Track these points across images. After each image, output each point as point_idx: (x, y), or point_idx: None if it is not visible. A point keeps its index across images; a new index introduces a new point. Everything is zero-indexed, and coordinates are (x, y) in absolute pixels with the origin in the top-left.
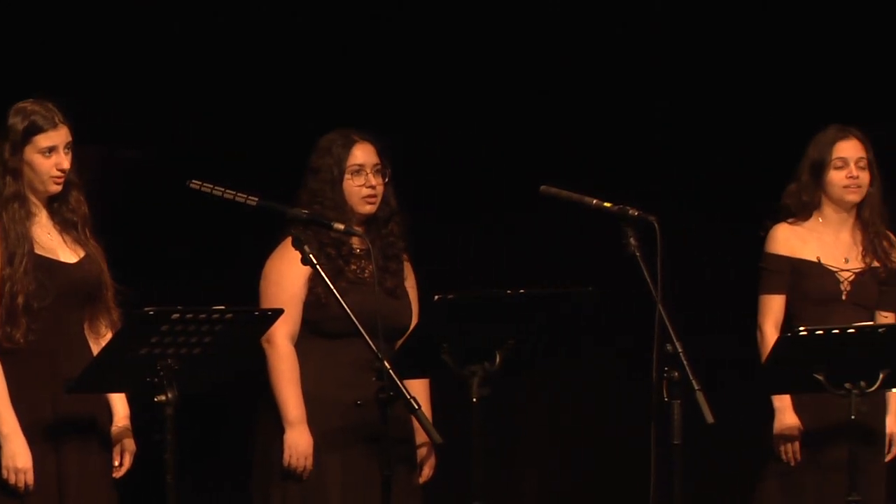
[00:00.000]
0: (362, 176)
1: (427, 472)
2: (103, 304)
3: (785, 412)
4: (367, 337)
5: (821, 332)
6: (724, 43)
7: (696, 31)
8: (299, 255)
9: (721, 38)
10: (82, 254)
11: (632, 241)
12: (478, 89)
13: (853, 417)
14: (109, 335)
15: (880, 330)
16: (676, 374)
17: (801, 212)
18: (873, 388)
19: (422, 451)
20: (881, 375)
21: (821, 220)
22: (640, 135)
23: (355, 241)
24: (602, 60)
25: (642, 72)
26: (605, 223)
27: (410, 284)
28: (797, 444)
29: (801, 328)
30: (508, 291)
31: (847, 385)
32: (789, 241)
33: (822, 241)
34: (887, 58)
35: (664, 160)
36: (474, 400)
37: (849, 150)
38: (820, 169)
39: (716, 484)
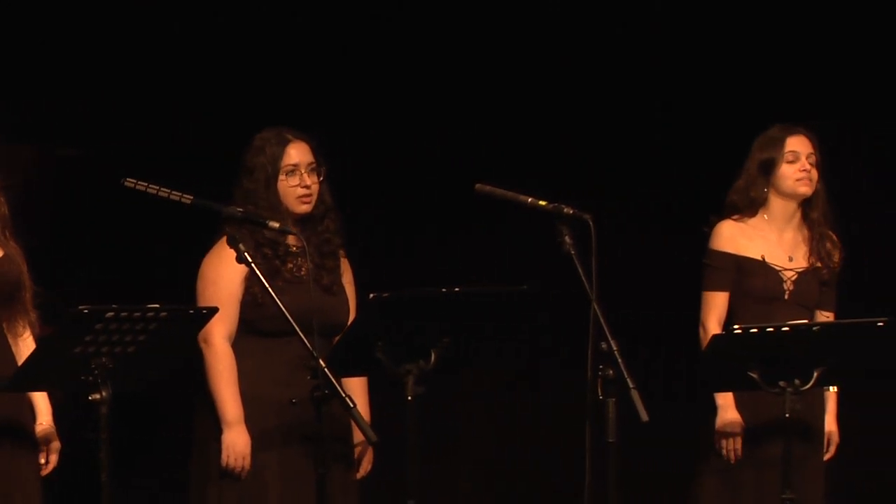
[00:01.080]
0: (297, 176)
1: (365, 466)
2: (21, 304)
3: (727, 409)
4: (302, 335)
5: (755, 330)
6: (658, 41)
7: (631, 29)
8: (235, 254)
9: (657, 37)
10: (1, 254)
11: (567, 239)
12: (414, 89)
13: (787, 416)
14: (28, 335)
15: (815, 328)
16: (611, 371)
17: (748, 209)
18: (807, 387)
19: (359, 449)
20: (815, 373)
21: (766, 218)
22: (574, 133)
23: (291, 240)
24: (536, 59)
25: (577, 70)
26: (540, 221)
27: (348, 280)
28: (739, 440)
29: (736, 326)
30: (443, 290)
31: (781, 383)
32: (734, 238)
33: (766, 239)
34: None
35: (599, 158)
36: (409, 398)
37: (800, 144)
38: (770, 164)
39: (650, 481)
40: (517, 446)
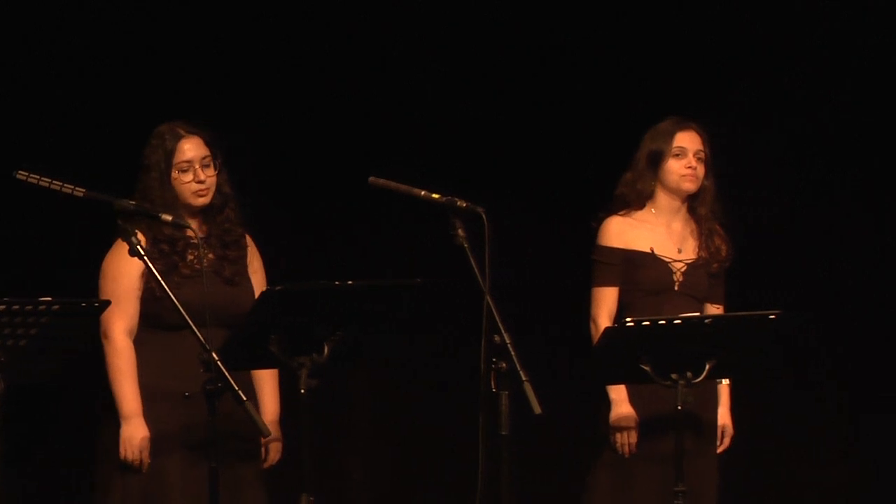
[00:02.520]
0: (191, 172)
1: (273, 456)
2: None
3: (621, 403)
4: (195, 329)
5: (647, 322)
6: (552, 34)
7: (525, 22)
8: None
9: (549, 29)
10: None
11: (460, 232)
12: (309, 82)
13: (679, 408)
14: None
15: (706, 321)
16: (504, 365)
17: (635, 202)
18: (699, 379)
19: (265, 442)
20: (707, 366)
21: (654, 211)
22: (468, 126)
23: (192, 231)
24: (428, 52)
25: (469, 63)
26: (433, 214)
27: (255, 269)
28: (633, 434)
29: (628, 319)
30: (336, 283)
31: (674, 376)
32: (622, 232)
33: (654, 231)
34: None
35: (492, 151)
36: (302, 391)
37: (688, 140)
38: (658, 158)
39: (543, 474)
40: (411, 439)
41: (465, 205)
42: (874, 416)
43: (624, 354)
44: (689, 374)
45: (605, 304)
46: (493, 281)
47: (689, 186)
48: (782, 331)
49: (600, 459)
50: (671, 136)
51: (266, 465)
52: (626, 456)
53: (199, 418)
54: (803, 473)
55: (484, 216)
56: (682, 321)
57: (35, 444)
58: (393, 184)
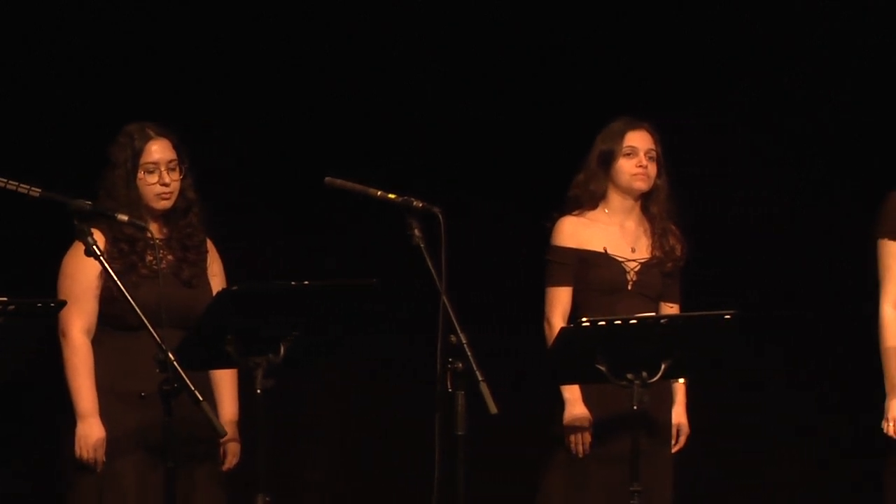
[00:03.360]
0: (156, 174)
1: (231, 459)
2: None
3: (575, 403)
4: (151, 329)
5: (603, 322)
6: (509, 34)
7: (470, 23)
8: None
9: (505, 30)
10: None
11: (416, 232)
12: (264, 82)
13: (635, 408)
14: None
15: (662, 321)
16: (460, 364)
17: (588, 202)
18: (655, 379)
19: (223, 444)
20: (663, 366)
21: (606, 211)
22: (425, 126)
23: (149, 232)
24: (383, 51)
25: (424, 63)
26: (389, 214)
27: (214, 272)
28: (587, 435)
29: (584, 319)
30: (292, 283)
31: (629, 376)
32: (575, 232)
33: (607, 231)
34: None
35: (449, 151)
36: (258, 391)
37: (639, 140)
38: (609, 158)
39: (500, 474)
40: (368, 438)
41: (421, 205)
42: (832, 415)
43: (580, 354)
44: (644, 374)
45: (559, 303)
46: (450, 281)
47: (641, 185)
48: (737, 331)
49: (554, 460)
50: (622, 135)
51: (224, 467)
52: (581, 456)
53: (156, 419)
54: (759, 473)
55: (440, 216)
56: (638, 321)
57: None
58: (349, 184)
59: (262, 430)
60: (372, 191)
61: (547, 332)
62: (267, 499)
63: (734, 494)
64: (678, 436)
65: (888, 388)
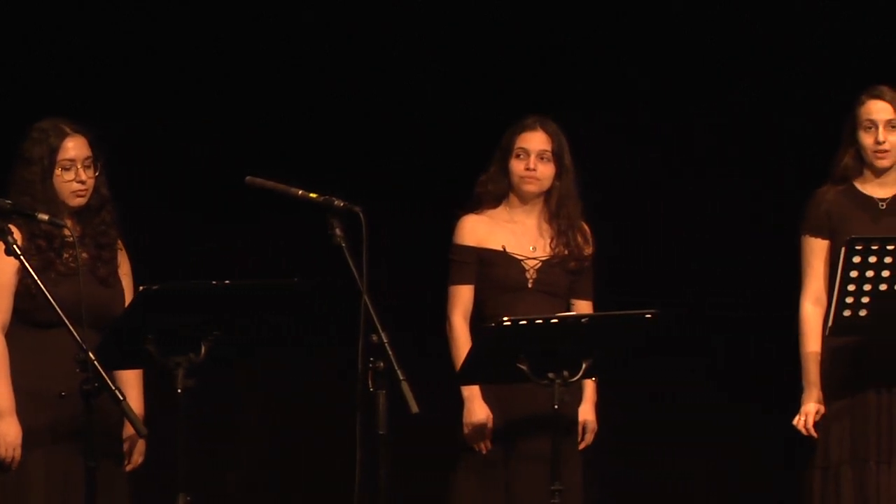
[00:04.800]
0: (72, 171)
1: (136, 458)
2: None
3: (474, 401)
4: (70, 327)
5: (524, 322)
6: (428, 33)
7: (399, 23)
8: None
9: (425, 30)
10: None
11: (337, 231)
12: (186, 81)
13: (556, 407)
14: None
15: (583, 320)
16: (382, 364)
17: (490, 201)
18: (576, 378)
19: (128, 443)
20: (584, 365)
21: (508, 210)
22: (346, 125)
23: (67, 230)
24: (303, 52)
25: (345, 63)
26: (310, 214)
27: (125, 272)
28: (487, 432)
29: (505, 318)
30: (213, 282)
31: (550, 375)
32: (475, 231)
33: (507, 229)
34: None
35: (370, 151)
36: (179, 391)
37: (531, 141)
38: (504, 158)
39: (421, 473)
40: (289, 438)
41: (342, 204)
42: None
43: (501, 354)
44: (565, 373)
45: (460, 302)
46: (371, 280)
47: (529, 188)
48: (656, 329)
49: (461, 460)
50: (515, 136)
51: (129, 467)
52: (484, 454)
53: (68, 417)
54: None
55: (361, 215)
56: (560, 320)
57: None
58: (270, 183)
59: (182, 430)
60: (293, 190)
61: (448, 330)
62: (188, 499)
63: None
64: (584, 432)
65: (804, 383)
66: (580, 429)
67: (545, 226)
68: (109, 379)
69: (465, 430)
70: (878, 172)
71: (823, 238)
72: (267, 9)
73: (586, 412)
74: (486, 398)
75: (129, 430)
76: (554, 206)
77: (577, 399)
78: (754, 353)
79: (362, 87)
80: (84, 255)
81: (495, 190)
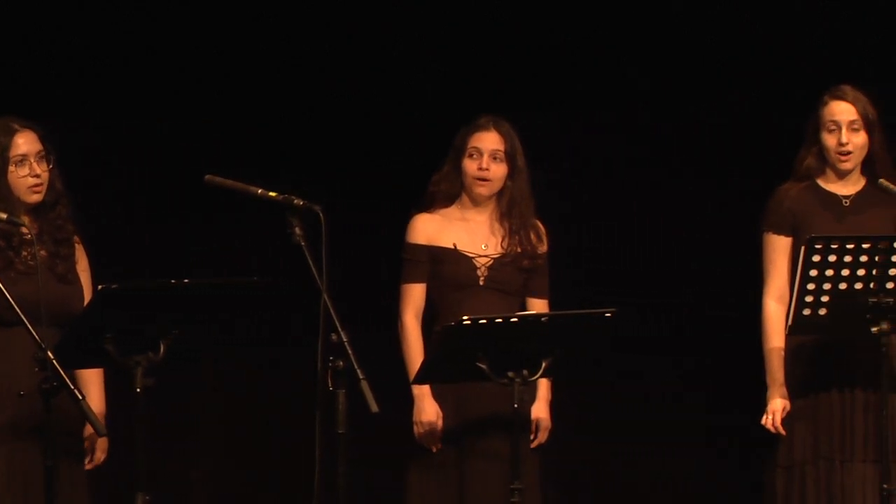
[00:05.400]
0: (26, 166)
1: (99, 456)
2: None
3: (424, 400)
4: (29, 326)
5: (484, 321)
6: (384, 33)
7: (349, 22)
8: None
9: (383, 29)
10: None
11: (297, 230)
12: (146, 79)
13: (515, 406)
14: None
15: (543, 319)
16: (341, 363)
17: (443, 199)
18: (536, 377)
19: (88, 442)
20: (543, 364)
21: (460, 208)
22: (305, 125)
23: (26, 228)
24: (262, 51)
25: (307, 63)
26: (270, 213)
27: (83, 268)
28: (437, 431)
29: (465, 317)
30: (172, 281)
31: (510, 374)
32: (427, 229)
33: (459, 228)
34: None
35: (329, 150)
36: (138, 390)
37: (484, 141)
38: (457, 157)
39: (380, 472)
40: (249, 437)
41: (301, 203)
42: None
43: (460, 353)
44: (525, 372)
45: (412, 301)
46: (331, 279)
47: (480, 191)
48: (614, 327)
49: (413, 459)
50: (468, 136)
51: (91, 465)
52: (434, 452)
53: (28, 416)
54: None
55: (321, 214)
56: (520, 319)
57: None
58: (229, 182)
59: (142, 429)
60: (252, 189)
61: (399, 329)
62: (147, 498)
63: (603, 490)
64: (538, 430)
65: (769, 381)
66: (533, 427)
67: (497, 224)
68: (69, 378)
69: (416, 429)
70: (841, 174)
71: (786, 235)
72: (224, 7)
73: (540, 410)
74: (441, 399)
75: (90, 428)
76: (506, 206)
77: (532, 398)
78: (725, 352)
79: (322, 88)
80: (42, 252)
81: (448, 189)
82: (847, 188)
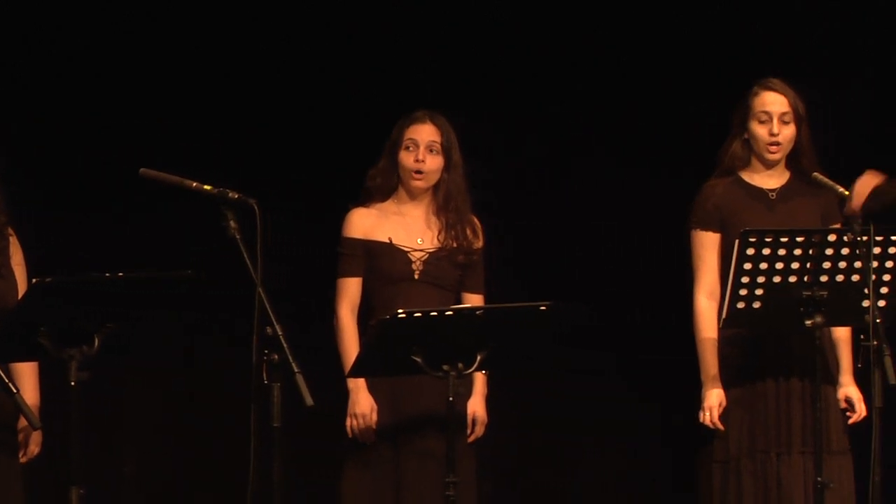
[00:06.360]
0: None
1: (32, 449)
2: None
3: (359, 392)
4: None
5: (419, 314)
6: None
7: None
8: None
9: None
10: None
11: (232, 224)
12: (80, 74)
13: (451, 399)
14: None
15: (478, 312)
16: (276, 356)
17: (379, 194)
18: (471, 370)
19: (22, 435)
20: (478, 357)
21: (396, 203)
22: (240, 118)
23: None
24: (197, 46)
25: (242, 57)
26: (205, 206)
27: (17, 262)
28: (371, 423)
29: (400, 311)
30: (107, 275)
31: (445, 367)
32: (363, 223)
33: (395, 222)
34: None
35: (264, 144)
36: (73, 383)
37: (420, 132)
38: (394, 150)
39: (315, 466)
40: (184, 430)
41: (236, 196)
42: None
43: (395, 346)
44: (460, 365)
45: (348, 295)
46: (265, 273)
47: (417, 184)
48: (551, 322)
49: (347, 451)
50: (403, 129)
51: (25, 458)
52: (368, 445)
53: None
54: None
55: (256, 208)
56: (454, 312)
57: None
58: (164, 175)
59: (76, 423)
60: (187, 182)
61: (335, 323)
62: (81, 491)
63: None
64: (474, 424)
65: (704, 378)
66: (469, 421)
67: (433, 218)
68: (3, 371)
69: (350, 422)
70: (768, 165)
71: (714, 231)
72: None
73: (476, 405)
74: (375, 393)
75: (24, 421)
76: (442, 200)
77: (468, 392)
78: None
79: (260, 82)
80: None
81: (384, 183)
82: (773, 182)
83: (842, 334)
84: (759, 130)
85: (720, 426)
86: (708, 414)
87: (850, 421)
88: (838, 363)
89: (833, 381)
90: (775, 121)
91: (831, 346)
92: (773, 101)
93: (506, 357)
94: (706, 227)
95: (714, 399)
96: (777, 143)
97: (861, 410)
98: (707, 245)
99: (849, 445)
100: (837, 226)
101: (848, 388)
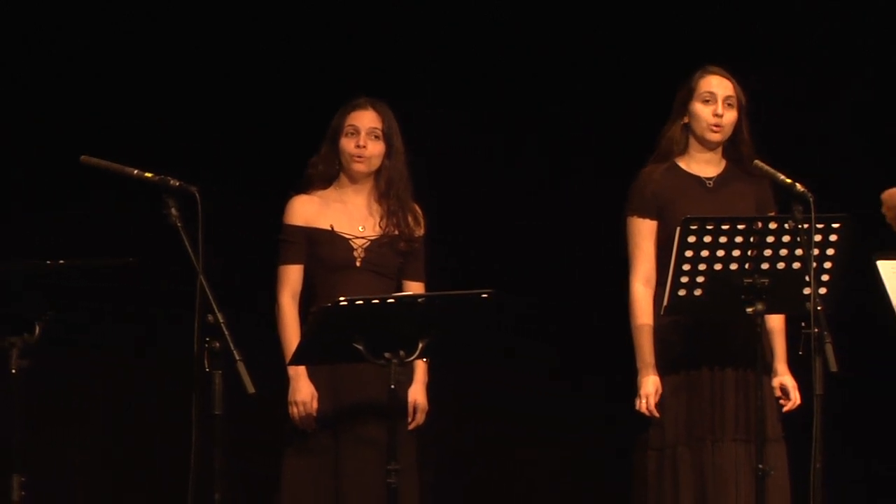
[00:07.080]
0: None
1: None
2: None
3: (299, 380)
4: None
5: (360, 301)
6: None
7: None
8: None
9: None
10: None
11: (173, 211)
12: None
13: (392, 387)
14: None
15: (420, 300)
16: (217, 344)
17: (321, 182)
18: (412, 358)
19: None
20: (420, 345)
21: (338, 190)
22: (182, 104)
23: None
24: (145, 34)
25: (187, 44)
26: (146, 193)
27: None
28: (311, 411)
29: (342, 298)
30: (47, 262)
31: (387, 355)
32: (304, 211)
33: (336, 209)
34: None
35: (206, 131)
36: (13, 371)
37: (361, 118)
38: (336, 137)
39: (256, 454)
40: (126, 418)
41: (178, 184)
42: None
43: (337, 334)
44: (402, 353)
45: (288, 282)
46: (207, 260)
47: (358, 167)
48: (494, 310)
49: (285, 439)
50: (346, 115)
51: None
52: (309, 433)
53: None
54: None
55: (197, 195)
56: (396, 300)
57: None
58: (104, 162)
59: (18, 411)
60: (128, 169)
61: (276, 310)
62: (22, 479)
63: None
64: (415, 412)
65: (640, 365)
66: (411, 409)
67: (375, 205)
68: None
69: (290, 410)
70: (708, 146)
71: (651, 219)
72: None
73: (417, 393)
74: (316, 382)
75: None
76: (384, 186)
77: (409, 380)
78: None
79: (204, 70)
80: None
81: (326, 170)
82: (710, 170)
83: (776, 324)
84: (703, 111)
85: (656, 413)
86: (644, 401)
87: (785, 409)
88: (773, 352)
89: (768, 369)
90: (720, 101)
91: (766, 334)
92: (719, 84)
93: (448, 345)
94: (643, 215)
95: (650, 386)
96: (719, 125)
97: (796, 398)
98: (644, 233)
99: (783, 433)
100: (772, 214)
101: (783, 377)
